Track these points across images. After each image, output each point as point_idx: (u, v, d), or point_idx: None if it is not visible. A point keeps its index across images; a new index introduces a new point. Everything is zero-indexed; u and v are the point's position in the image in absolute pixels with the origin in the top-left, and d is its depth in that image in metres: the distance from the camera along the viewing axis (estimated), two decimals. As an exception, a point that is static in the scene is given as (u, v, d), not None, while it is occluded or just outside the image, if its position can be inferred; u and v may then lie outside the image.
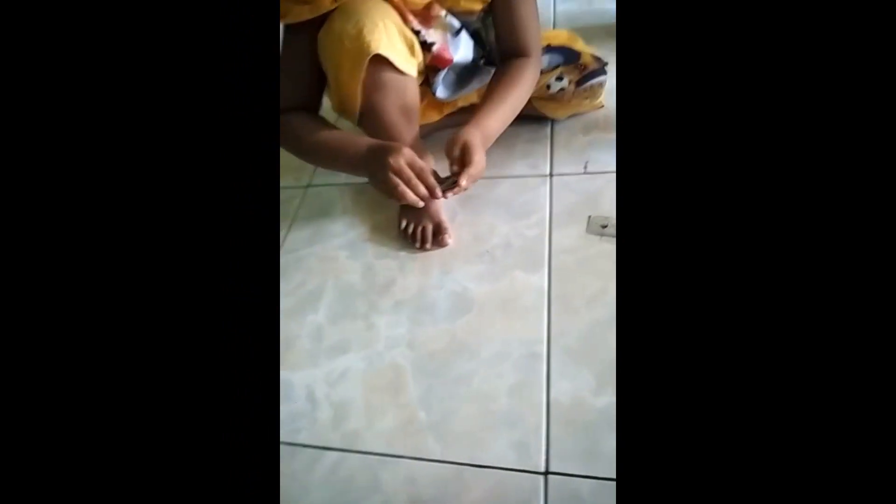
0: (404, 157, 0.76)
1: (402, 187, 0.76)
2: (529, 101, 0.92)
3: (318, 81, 0.88)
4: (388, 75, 0.82)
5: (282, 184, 1.10)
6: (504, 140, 0.93)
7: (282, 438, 0.72)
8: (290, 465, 0.69)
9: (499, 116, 0.84)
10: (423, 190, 0.78)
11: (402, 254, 0.90)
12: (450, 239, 0.88)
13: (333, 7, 0.80)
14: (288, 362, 0.80)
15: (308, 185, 1.09)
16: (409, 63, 0.84)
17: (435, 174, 0.80)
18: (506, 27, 0.88)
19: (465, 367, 0.73)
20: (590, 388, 0.67)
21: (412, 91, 0.87)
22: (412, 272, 0.87)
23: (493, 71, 0.94)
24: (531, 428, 0.65)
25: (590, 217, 0.86)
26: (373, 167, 0.79)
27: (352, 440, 0.69)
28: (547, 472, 0.62)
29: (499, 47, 0.90)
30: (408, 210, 0.91)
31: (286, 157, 1.15)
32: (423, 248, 0.89)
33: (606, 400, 0.66)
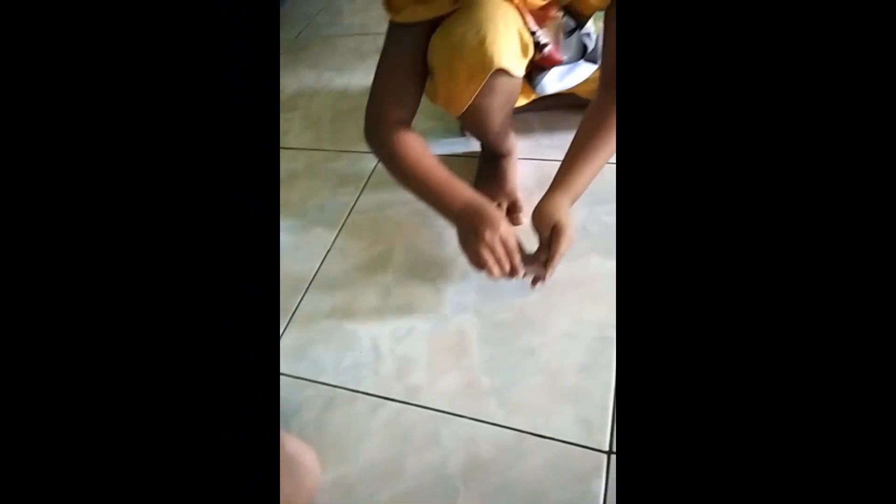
0: (498, 234, 0.71)
1: (490, 264, 0.71)
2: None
3: (422, 81, 0.80)
4: (502, 80, 0.78)
5: (358, 149, 1.12)
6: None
7: (344, 385, 0.73)
8: (351, 410, 0.70)
9: (588, 172, 0.75)
10: (507, 269, 0.72)
11: (475, 227, 0.90)
12: (525, 218, 0.88)
13: (454, 9, 0.74)
14: (355, 315, 0.81)
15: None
16: (521, 66, 0.81)
17: (521, 251, 0.75)
18: (611, 44, 0.76)
19: (533, 340, 0.73)
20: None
21: (517, 90, 0.85)
22: (483, 245, 0.87)
23: (593, 68, 0.93)
24: (598, 406, 0.65)
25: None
26: (465, 231, 0.73)
27: (413, 394, 0.70)
28: (611, 451, 0.61)
29: (601, 71, 0.79)
30: (484, 185, 0.91)
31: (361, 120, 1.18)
32: None
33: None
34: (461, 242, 0.75)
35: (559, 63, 0.90)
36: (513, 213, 0.89)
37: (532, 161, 1.00)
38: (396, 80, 0.78)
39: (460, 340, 0.75)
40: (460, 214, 0.74)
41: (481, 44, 0.73)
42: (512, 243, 0.72)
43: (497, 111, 0.84)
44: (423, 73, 0.78)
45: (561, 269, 0.81)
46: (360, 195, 1.02)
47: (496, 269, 0.71)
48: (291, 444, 0.63)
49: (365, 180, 1.05)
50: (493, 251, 0.71)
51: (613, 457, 0.61)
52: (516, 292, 0.79)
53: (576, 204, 0.89)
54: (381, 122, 0.78)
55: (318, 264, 0.91)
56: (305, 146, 1.18)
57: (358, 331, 0.79)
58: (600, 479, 0.59)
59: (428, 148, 0.80)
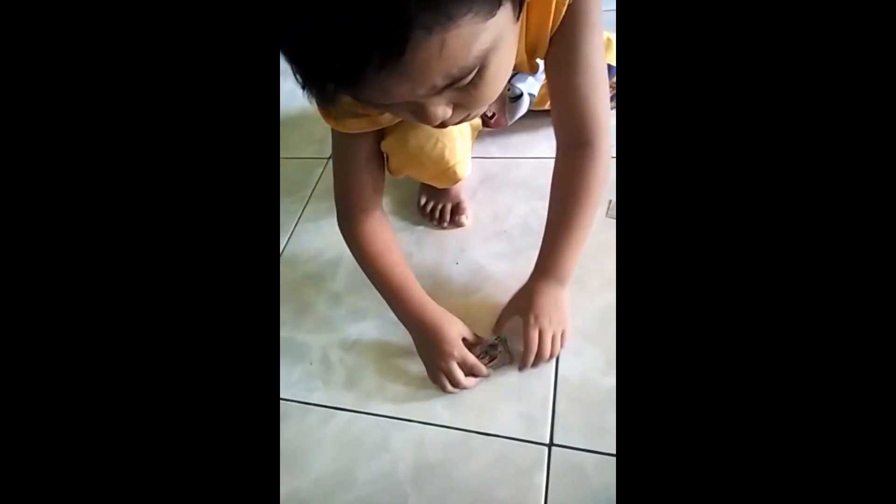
0: (455, 358, 0.69)
1: (449, 387, 0.69)
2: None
3: (381, 167, 0.76)
4: None
5: (304, 154, 1.12)
6: (528, 122, 0.93)
7: (296, 397, 0.74)
8: (304, 422, 0.71)
9: (573, 251, 0.68)
10: (468, 384, 0.70)
11: (420, 228, 0.91)
12: (467, 220, 0.89)
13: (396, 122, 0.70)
14: (305, 326, 0.82)
15: (330, 157, 1.10)
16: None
17: (482, 347, 0.72)
18: (561, 104, 0.64)
19: (477, 340, 0.75)
20: (599, 367, 0.68)
21: None
22: (429, 247, 0.88)
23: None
24: (539, 401, 0.67)
25: (610, 201, 0.86)
26: (423, 353, 0.73)
27: (363, 402, 0.72)
28: (551, 444, 0.63)
29: (556, 132, 0.67)
30: (428, 188, 0.92)
31: (308, 128, 1.17)
32: (440, 226, 0.90)
33: (614, 380, 0.67)
34: (421, 356, 0.73)
35: (505, 125, 0.91)
36: (456, 214, 0.90)
37: (476, 160, 1.01)
38: (356, 179, 0.73)
39: (408, 346, 0.76)
40: (417, 328, 0.72)
41: (441, 157, 0.75)
42: (470, 362, 0.69)
43: None
44: (380, 163, 0.75)
45: (503, 266, 0.83)
46: (307, 203, 1.02)
47: (451, 389, 0.69)
48: None
49: (312, 188, 1.05)
50: (450, 375, 0.69)
51: (554, 448, 0.63)
52: (461, 292, 0.81)
53: (518, 199, 0.91)
54: (347, 219, 0.76)
55: (268, 277, 0.91)
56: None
57: (308, 342, 0.80)
58: (542, 472, 0.62)
59: (393, 239, 0.77)
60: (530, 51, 0.61)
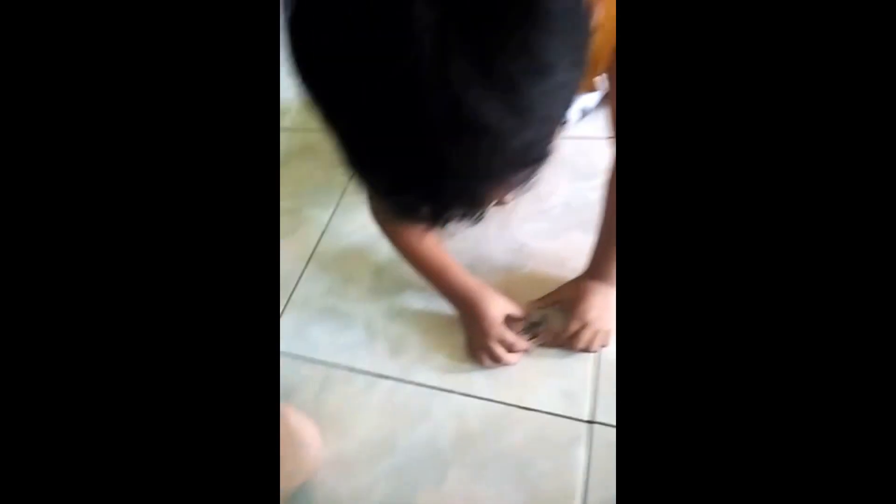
0: (494, 336, 0.71)
1: (487, 363, 0.71)
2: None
3: None
4: None
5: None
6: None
7: (340, 363, 0.77)
8: (347, 388, 0.74)
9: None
10: (509, 360, 0.71)
11: (464, 204, 0.92)
12: (510, 198, 0.89)
13: None
14: (349, 296, 0.84)
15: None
16: None
17: (525, 323, 0.74)
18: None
19: (519, 316, 0.76)
20: (640, 349, 0.69)
21: None
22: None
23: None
24: (580, 379, 0.68)
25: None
26: (466, 329, 0.75)
27: (406, 371, 0.74)
28: (592, 421, 0.65)
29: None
30: None
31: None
32: None
33: (656, 362, 0.67)
34: (464, 331, 0.75)
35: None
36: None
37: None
38: None
39: (451, 318, 0.78)
40: (460, 307, 0.75)
41: None
42: (510, 339, 0.71)
43: None
44: None
45: (544, 245, 0.83)
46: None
47: (490, 363, 0.71)
48: (293, 417, 0.66)
49: (355, 160, 1.06)
50: (491, 353, 0.70)
51: (594, 426, 0.64)
52: (503, 269, 0.82)
53: (561, 178, 0.91)
54: (379, 213, 0.76)
55: (314, 246, 0.93)
56: (300, 127, 1.19)
57: (353, 310, 0.82)
58: (582, 448, 0.63)
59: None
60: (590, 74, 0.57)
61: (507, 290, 0.78)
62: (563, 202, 0.88)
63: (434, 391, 0.71)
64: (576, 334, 0.69)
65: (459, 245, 0.86)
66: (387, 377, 0.74)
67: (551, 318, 0.74)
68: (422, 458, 0.66)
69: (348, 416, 0.71)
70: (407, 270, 0.85)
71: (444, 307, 0.79)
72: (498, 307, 0.73)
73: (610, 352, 0.70)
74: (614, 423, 0.64)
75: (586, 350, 0.70)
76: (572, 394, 0.67)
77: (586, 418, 0.65)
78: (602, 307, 0.70)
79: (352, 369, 0.76)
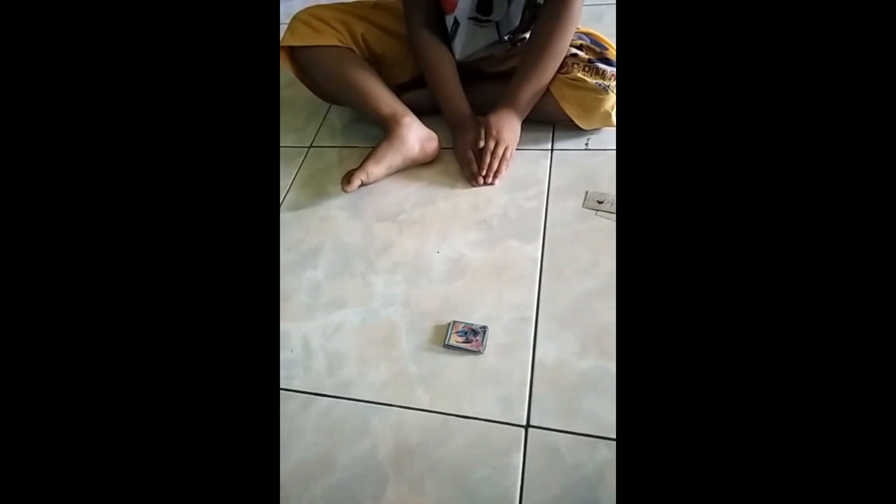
0: (467, 141, 0.96)
1: (463, 163, 0.97)
2: (551, 96, 0.95)
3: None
4: None
5: (285, 143, 1.12)
6: (508, 113, 0.94)
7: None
8: (285, 408, 0.72)
9: (533, 89, 0.93)
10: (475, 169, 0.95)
11: (402, 217, 0.92)
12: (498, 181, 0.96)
13: None
14: (285, 314, 0.83)
15: (311, 146, 1.10)
16: None
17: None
18: None
19: (457, 326, 0.76)
20: (574, 352, 0.70)
21: None
22: (410, 236, 0.89)
23: (506, 47, 0.99)
24: (516, 385, 0.69)
25: (587, 192, 0.88)
26: (453, 134, 1.01)
27: (344, 388, 0.73)
28: (528, 426, 0.65)
29: None
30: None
31: (289, 118, 1.17)
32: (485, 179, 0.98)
33: (588, 364, 0.69)
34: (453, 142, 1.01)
35: (454, 6, 0.96)
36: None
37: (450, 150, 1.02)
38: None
39: (390, 332, 0.77)
40: (448, 122, 1.01)
41: None
42: (475, 147, 0.96)
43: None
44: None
45: (482, 254, 0.84)
46: (287, 192, 1.02)
47: (473, 168, 0.95)
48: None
49: (293, 177, 1.05)
50: (464, 154, 0.96)
51: (530, 430, 0.65)
52: (441, 280, 0.82)
53: (498, 189, 0.93)
54: (412, 24, 0.98)
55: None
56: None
57: (289, 330, 0.81)
58: (519, 453, 0.63)
59: (447, 56, 0.99)
60: None
61: (447, 300, 0.79)
62: (500, 213, 0.90)
63: (372, 406, 0.70)
64: (492, 153, 0.93)
65: (400, 256, 0.86)
66: (324, 395, 0.72)
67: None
68: (361, 474, 0.65)
69: (284, 438, 0.69)
70: (343, 287, 0.84)
71: (382, 321, 0.78)
72: (470, 126, 0.97)
73: (545, 355, 0.71)
74: (549, 427, 0.65)
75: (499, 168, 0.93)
76: (508, 399, 0.68)
77: (523, 423, 0.66)
78: (509, 128, 0.94)
79: (287, 390, 0.74)
